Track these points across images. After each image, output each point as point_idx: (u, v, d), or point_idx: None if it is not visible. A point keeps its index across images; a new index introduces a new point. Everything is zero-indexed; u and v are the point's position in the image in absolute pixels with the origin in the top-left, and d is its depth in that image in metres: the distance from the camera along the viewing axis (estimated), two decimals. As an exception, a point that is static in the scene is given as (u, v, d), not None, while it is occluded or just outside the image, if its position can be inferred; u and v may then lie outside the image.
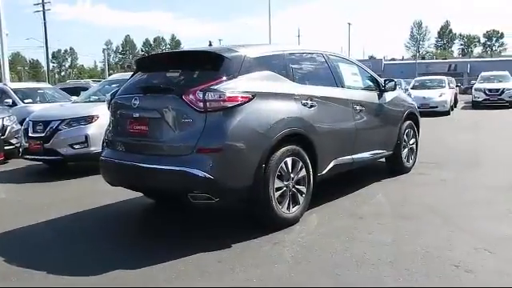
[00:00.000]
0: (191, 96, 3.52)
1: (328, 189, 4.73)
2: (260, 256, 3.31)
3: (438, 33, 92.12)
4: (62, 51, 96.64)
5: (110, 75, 27.86)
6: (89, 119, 6.79)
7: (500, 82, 19.42)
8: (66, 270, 3.15)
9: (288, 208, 3.89)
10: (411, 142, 6.08)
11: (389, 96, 5.63)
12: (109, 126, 4.38)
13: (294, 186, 3.94)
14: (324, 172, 4.37)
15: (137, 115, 3.87)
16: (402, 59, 72.29)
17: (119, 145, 4.07)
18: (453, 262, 3.03)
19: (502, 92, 18.47)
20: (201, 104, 3.50)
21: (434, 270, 2.94)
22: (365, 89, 5.43)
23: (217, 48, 4.33)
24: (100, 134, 6.22)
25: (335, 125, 4.55)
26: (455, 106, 19.35)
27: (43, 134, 6.79)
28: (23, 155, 7.20)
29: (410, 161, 6.09)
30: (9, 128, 8.20)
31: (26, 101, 10.34)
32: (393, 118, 5.69)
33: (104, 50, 70.37)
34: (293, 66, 4.31)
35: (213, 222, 4.26)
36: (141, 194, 4.77)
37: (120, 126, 4.12)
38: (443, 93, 16.94)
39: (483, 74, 21.37)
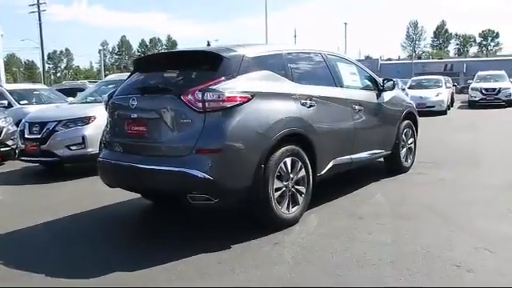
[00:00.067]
0: (190, 96, 3.50)
1: (327, 189, 4.72)
2: (260, 257, 3.29)
3: (434, 33, 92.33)
4: (58, 52, 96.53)
5: (106, 76, 27.80)
6: (86, 120, 6.74)
7: (496, 81, 19.49)
8: (64, 272, 3.13)
9: (287, 208, 3.88)
10: (409, 142, 6.08)
11: (387, 96, 5.63)
12: (106, 126, 4.34)
13: (293, 187, 3.93)
14: (323, 172, 4.35)
15: (135, 116, 3.84)
16: (399, 59, 72.49)
17: (117, 146, 4.04)
18: (454, 262, 3.02)
19: (499, 91, 18.54)
20: (200, 104, 3.48)
21: (436, 270, 2.93)
22: (363, 88, 5.42)
23: (215, 48, 4.30)
24: (97, 134, 6.20)
25: (334, 125, 4.54)
26: (452, 106, 19.39)
27: (39, 136, 6.73)
28: (19, 157, 7.15)
29: (409, 160, 6.09)
30: (5, 129, 8.11)
31: (21, 102, 10.27)
32: (391, 117, 5.68)
33: (100, 50, 70.49)
34: (291, 66, 4.29)
35: (212, 223, 4.24)
36: (139, 196, 4.75)
37: (118, 127, 4.08)
38: (440, 92, 17.01)
39: (480, 73, 21.45)
